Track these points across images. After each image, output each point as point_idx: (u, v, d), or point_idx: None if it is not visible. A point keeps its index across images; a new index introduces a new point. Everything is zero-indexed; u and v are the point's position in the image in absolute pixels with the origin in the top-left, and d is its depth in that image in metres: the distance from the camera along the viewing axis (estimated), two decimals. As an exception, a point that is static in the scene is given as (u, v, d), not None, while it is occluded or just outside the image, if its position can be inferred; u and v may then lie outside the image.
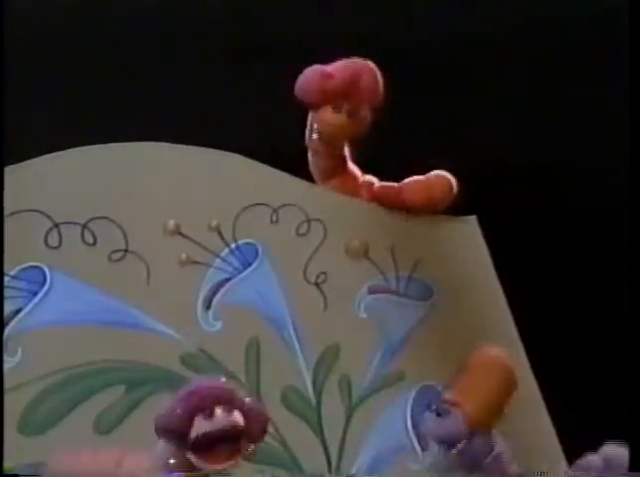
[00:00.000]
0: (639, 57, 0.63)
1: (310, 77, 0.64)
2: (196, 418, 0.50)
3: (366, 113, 0.65)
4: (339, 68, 0.64)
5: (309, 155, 0.68)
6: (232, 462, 0.50)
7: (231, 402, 0.50)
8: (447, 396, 0.54)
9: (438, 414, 0.54)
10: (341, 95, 0.64)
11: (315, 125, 0.66)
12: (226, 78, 0.78)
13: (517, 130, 0.78)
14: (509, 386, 0.55)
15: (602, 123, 0.79)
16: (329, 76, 0.64)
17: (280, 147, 0.64)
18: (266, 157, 0.65)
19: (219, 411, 0.50)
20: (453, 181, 0.67)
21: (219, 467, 0.50)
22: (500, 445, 0.55)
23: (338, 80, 0.64)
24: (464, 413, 0.53)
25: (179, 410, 0.50)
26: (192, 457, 0.50)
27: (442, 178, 0.67)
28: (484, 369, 0.55)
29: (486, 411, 0.54)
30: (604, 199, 0.77)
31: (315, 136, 0.66)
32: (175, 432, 0.50)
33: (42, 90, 0.76)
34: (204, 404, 0.50)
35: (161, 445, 0.51)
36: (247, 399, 0.51)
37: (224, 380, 0.53)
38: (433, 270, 0.67)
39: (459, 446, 0.54)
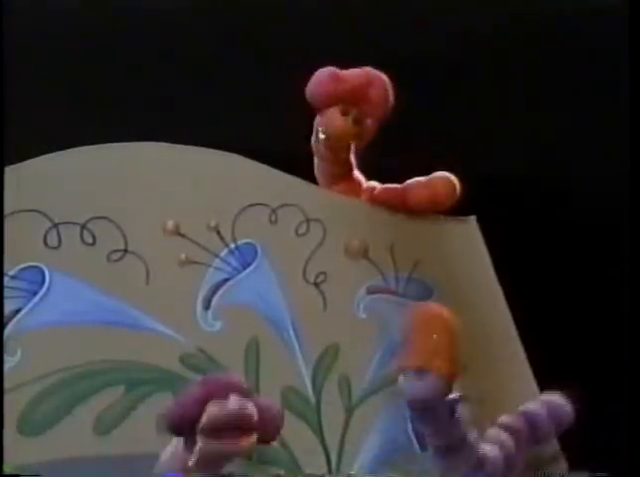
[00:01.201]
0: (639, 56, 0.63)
1: (322, 77, 0.64)
2: (209, 404, 0.49)
3: (371, 123, 0.65)
4: (352, 73, 0.64)
5: (315, 160, 0.68)
6: (244, 446, 0.50)
7: (245, 394, 0.50)
8: (412, 362, 0.54)
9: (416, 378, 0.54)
10: (350, 101, 0.64)
11: (320, 127, 0.66)
12: (226, 77, 0.78)
13: (517, 130, 0.78)
14: (455, 334, 0.55)
15: (603, 123, 0.79)
16: (340, 78, 0.64)
17: (280, 147, 0.64)
18: (266, 157, 0.65)
19: (232, 397, 0.49)
20: (456, 181, 0.67)
21: (232, 448, 0.49)
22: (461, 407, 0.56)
23: (349, 85, 0.64)
24: (439, 371, 0.54)
25: (194, 395, 0.49)
26: (201, 442, 0.49)
27: (445, 178, 0.67)
28: (431, 327, 0.55)
29: (454, 364, 0.54)
30: (604, 199, 0.77)
31: (322, 136, 0.66)
32: (186, 418, 0.49)
33: (42, 90, 0.76)
34: (218, 390, 0.49)
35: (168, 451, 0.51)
36: (263, 399, 0.51)
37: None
38: (433, 271, 0.67)
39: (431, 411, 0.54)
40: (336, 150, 0.67)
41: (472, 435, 0.57)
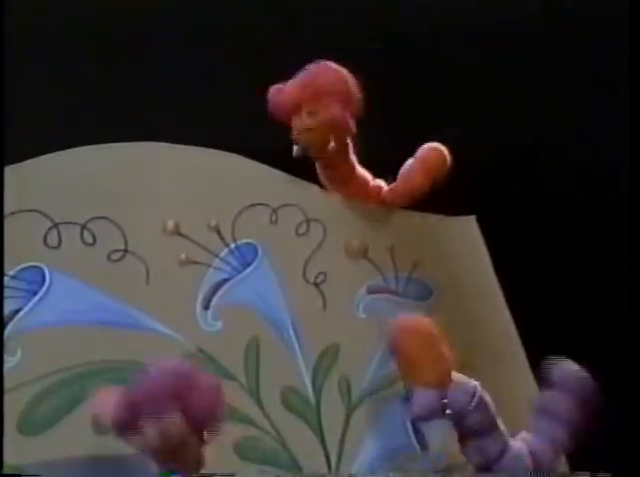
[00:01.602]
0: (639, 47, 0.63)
1: (269, 96, 0.64)
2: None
3: (333, 110, 0.64)
4: (293, 79, 0.64)
5: (317, 167, 0.67)
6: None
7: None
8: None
9: (407, 399, 0.55)
10: (300, 103, 0.63)
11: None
12: (226, 77, 0.78)
13: (517, 130, 0.78)
14: (432, 338, 0.56)
15: (603, 121, 0.79)
16: (280, 91, 0.64)
17: (280, 147, 0.64)
18: (266, 157, 0.65)
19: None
20: (444, 150, 0.66)
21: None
22: (480, 391, 0.56)
23: (288, 92, 0.63)
24: (422, 384, 0.54)
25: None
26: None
27: (432, 150, 0.67)
28: (406, 342, 0.56)
29: (439, 367, 0.55)
30: (604, 199, 0.77)
31: (295, 148, 0.65)
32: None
33: (42, 90, 0.76)
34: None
35: None
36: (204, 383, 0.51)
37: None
38: (432, 270, 0.67)
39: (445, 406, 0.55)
40: (318, 149, 0.66)
41: (499, 422, 0.57)
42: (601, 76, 0.78)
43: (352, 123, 0.64)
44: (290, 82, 0.64)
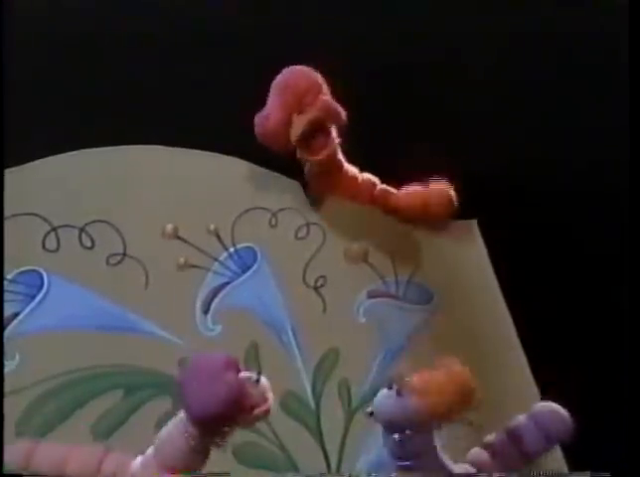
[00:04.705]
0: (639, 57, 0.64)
1: (256, 128, 0.64)
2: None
3: (322, 99, 0.63)
4: (271, 102, 0.63)
5: (305, 171, 0.67)
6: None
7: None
8: (409, 379, 0.53)
9: (398, 394, 0.52)
10: (289, 119, 0.63)
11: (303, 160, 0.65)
12: (226, 80, 0.78)
13: (517, 133, 0.78)
14: (468, 400, 0.53)
15: (603, 124, 0.78)
16: (266, 118, 0.63)
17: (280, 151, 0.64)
18: (265, 161, 0.65)
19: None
20: (453, 196, 0.66)
21: None
22: (438, 443, 0.55)
23: (273, 119, 0.63)
24: (425, 403, 0.52)
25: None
26: None
27: (441, 193, 0.67)
28: (450, 375, 0.53)
29: (444, 409, 0.53)
30: (605, 202, 0.77)
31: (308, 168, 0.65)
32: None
33: (42, 92, 0.76)
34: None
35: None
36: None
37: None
38: (433, 274, 0.67)
39: (405, 434, 0.53)
40: (330, 163, 0.65)
41: (441, 454, 0.56)
42: (602, 79, 0.78)
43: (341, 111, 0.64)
44: (271, 105, 0.63)
